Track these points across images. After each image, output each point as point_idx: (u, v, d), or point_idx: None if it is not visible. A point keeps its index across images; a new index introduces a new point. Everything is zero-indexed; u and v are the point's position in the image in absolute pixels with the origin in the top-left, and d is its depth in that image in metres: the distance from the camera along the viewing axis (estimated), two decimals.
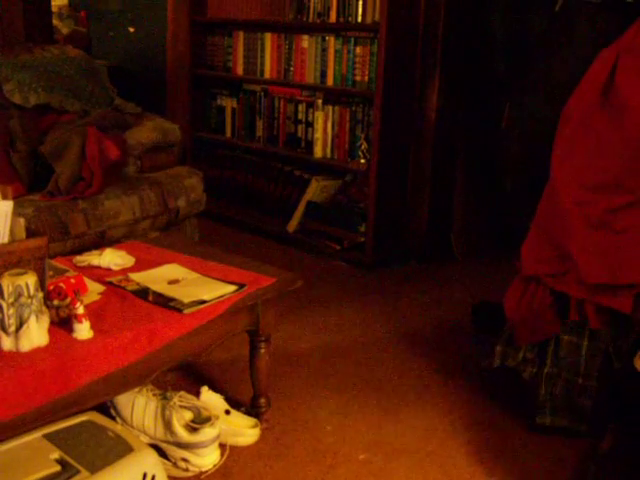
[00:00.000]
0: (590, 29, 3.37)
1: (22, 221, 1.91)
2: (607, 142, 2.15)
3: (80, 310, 1.76)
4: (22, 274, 1.71)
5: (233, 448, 2.18)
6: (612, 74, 2.17)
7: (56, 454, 1.61)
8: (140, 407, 2.10)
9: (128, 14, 5.30)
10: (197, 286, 2.12)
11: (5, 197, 1.92)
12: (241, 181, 4.49)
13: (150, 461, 1.68)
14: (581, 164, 2.19)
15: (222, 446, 2.12)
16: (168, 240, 2.68)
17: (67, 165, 2.94)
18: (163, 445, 2.07)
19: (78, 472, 1.56)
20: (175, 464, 2.06)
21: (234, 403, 2.34)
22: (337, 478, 2.10)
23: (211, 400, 2.24)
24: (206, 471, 2.06)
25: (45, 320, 1.74)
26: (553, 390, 2.32)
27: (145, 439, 2.06)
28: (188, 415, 2.08)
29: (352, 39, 3.79)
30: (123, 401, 2.12)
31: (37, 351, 1.70)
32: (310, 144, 4.11)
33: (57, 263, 2.22)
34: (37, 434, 1.67)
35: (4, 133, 3.07)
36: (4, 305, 1.68)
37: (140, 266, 2.29)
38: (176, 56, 4.75)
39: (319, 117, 4.04)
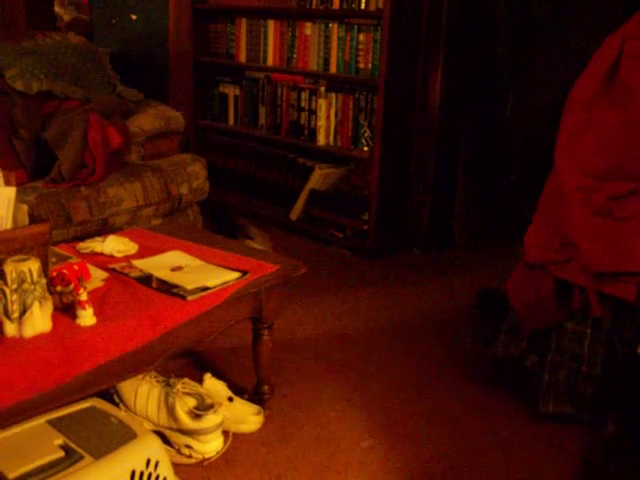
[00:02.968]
0: (595, 15, 3.35)
1: (25, 207, 1.91)
2: (611, 129, 2.14)
3: (83, 296, 1.76)
4: (25, 260, 1.70)
5: (236, 435, 2.18)
6: (617, 60, 2.15)
7: (60, 440, 1.61)
8: (143, 394, 2.11)
9: (130, 1, 5.26)
10: (200, 273, 2.12)
11: (8, 183, 1.91)
12: (244, 169, 4.48)
13: (154, 447, 1.67)
14: (585, 151, 2.18)
15: (225, 433, 2.13)
16: (171, 227, 2.68)
17: (70, 152, 2.94)
18: (166, 432, 2.07)
19: (82, 458, 1.56)
20: (178, 451, 2.06)
21: (237, 390, 2.34)
22: (340, 465, 2.10)
23: (214, 387, 2.24)
24: (209, 458, 2.07)
25: (48, 306, 1.73)
26: (556, 378, 2.32)
27: (148, 426, 2.07)
28: (191, 402, 2.08)
29: (355, 26, 3.78)
30: (126, 388, 2.12)
31: (40, 337, 1.70)
32: (313, 132, 4.10)
33: (60, 250, 2.22)
34: (41, 420, 1.67)
35: (6, 120, 3.06)
36: (7, 291, 1.68)
37: (143, 253, 2.28)
38: (178, 43, 4.73)
39: (322, 104, 4.02)
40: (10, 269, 1.67)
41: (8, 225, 1.84)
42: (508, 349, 2.45)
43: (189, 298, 1.96)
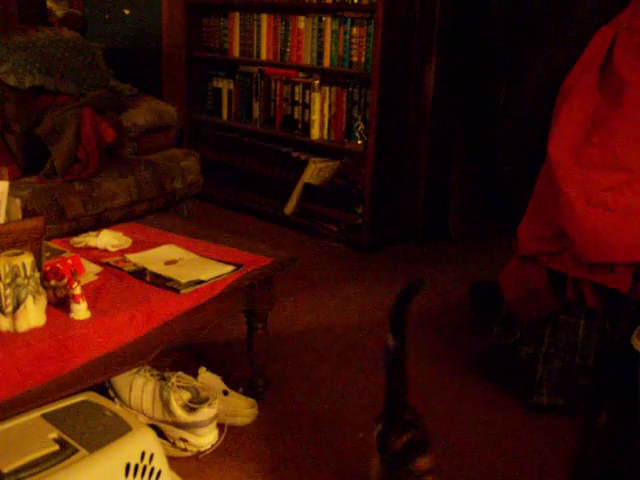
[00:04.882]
0: (589, 7, 3.35)
1: (18, 202, 1.90)
2: (604, 120, 2.15)
3: (77, 290, 1.76)
4: (18, 255, 1.70)
5: (231, 428, 2.18)
6: (610, 51, 2.16)
7: (54, 434, 1.61)
8: (138, 388, 2.10)
9: None
10: (194, 266, 2.12)
11: (0, 178, 1.90)
12: (238, 163, 4.48)
13: (148, 440, 1.67)
14: (578, 142, 2.18)
15: (220, 426, 2.13)
16: (165, 221, 2.67)
17: (63, 147, 2.93)
18: (161, 425, 2.07)
19: (76, 451, 1.56)
20: (173, 444, 2.06)
21: (232, 383, 2.34)
22: (336, 457, 2.10)
23: (209, 380, 2.24)
24: (204, 451, 2.07)
25: (42, 300, 1.73)
26: (550, 369, 2.33)
27: (143, 419, 2.07)
28: (186, 395, 2.08)
29: (349, 20, 3.77)
30: (121, 382, 2.12)
31: (34, 331, 1.70)
32: (307, 126, 4.10)
33: (54, 244, 2.21)
34: (35, 414, 1.67)
35: None
36: (1, 286, 1.68)
37: (137, 247, 2.28)
38: (172, 38, 4.72)
39: (316, 98, 4.02)
40: (3, 263, 1.67)
41: (1, 219, 1.83)
42: (502, 341, 2.46)
43: (183, 292, 1.96)
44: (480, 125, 4.01)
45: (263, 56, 4.27)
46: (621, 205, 2.14)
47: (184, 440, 2.05)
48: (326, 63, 3.93)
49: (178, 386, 2.08)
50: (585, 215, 2.16)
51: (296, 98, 4.15)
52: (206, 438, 2.06)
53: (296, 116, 4.17)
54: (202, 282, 2.01)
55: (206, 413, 2.03)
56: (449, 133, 3.89)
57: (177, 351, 2.58)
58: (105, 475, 1.57)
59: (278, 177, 4.25)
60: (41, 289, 1.75)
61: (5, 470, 1.48)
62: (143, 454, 1.65)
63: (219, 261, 2.16)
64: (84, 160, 2.95)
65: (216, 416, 2.07)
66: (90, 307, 1.79)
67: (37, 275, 1.73)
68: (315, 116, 4.03)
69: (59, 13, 5.42)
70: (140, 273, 2.06)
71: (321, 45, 3.93)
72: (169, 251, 2.25)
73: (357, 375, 2.57)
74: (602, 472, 2.06)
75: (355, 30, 3.75)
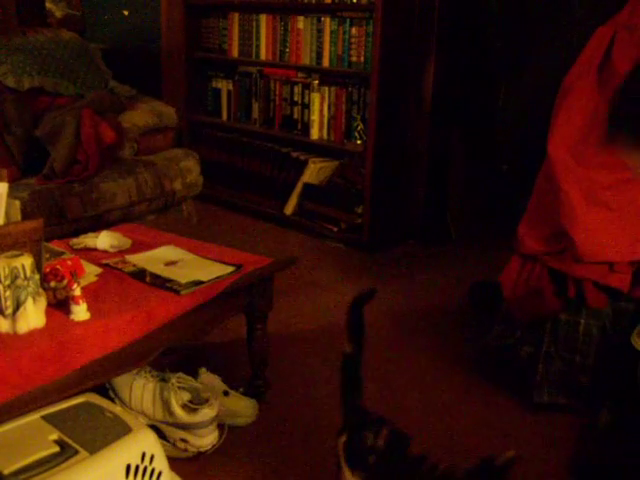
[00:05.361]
0: (587, 5, 3.35)
1: (17, 203, 1.90)
2: (604, 119, 2.15)
3: (77, 292, 1.76)
4: (18, 256, 1.70)
5: (232, 428, 2.18)
6: (608, 51, 2.16)
7: (55, 435, 1.61)
8: (138, 389, 2.10)
9: None
10: (194, 267, 2.12)
11: (0, 179, 1.91)
12: (237, 163, 4.48)
13: (149, 441, 1.67)
14: (578, 141, 2.19)
15: (221, 427, 2.13)
16: (165, 222, 2.67)
17: (62, 148, 2.93)
18: (162, 426, 2.07)
19: (77, 452, 1.56)
20: (174, 445, 2.06)
21: (232, 384, 2.34)
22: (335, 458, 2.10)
23: (209, 381, 2.24)
24: (205, 451, 2.07)
25: (42, 302, 1.73)
26: (551, 368, 2.33)
27: (144, 420, 2.06)
28: (186, 396, 2.08)
29: (348, 20, 3.77)
30: (121, 383, 2.12)
31: (34, 333, 1.70)
32: (306, 126, 4.10)
33: (53, 246, 2.21)
34: (35, 415, 1.67)
35: None
36: (0, 287, 1.68)
37: (137, 248, 2.28)
38: (171, 39, 4.72)
39: (315, 98, 4.02)
40: (3, 265, 1.67)
41: (0, 221, 1.84)
42: (502, 340, 2.46)
43: (183, 292, 1.95)
44: (479, 124, 4.01)
45: (262, 56, 4.27)
46: (621, 203, 2.14)
47: (184, 441, 2.05)
48: (325, 63, 3.93)
49: (178, 387, 2.08)
50: (585, 214, 2.16)
51: (295, 98, 4.15)
52: (206, 439, 2.06)
53: (295, 116, 4.17)
54: (202, 283, 2.01)
55: (206, 414, 2.03)
56: (448, 133, 3.88)
57: (177, 352, 2.59)
58: (105, 476, 1.57)
59: (278, 177, 4.25)
60: (41, 290, 1.75)
61: (6, 472, 1.48)
62: (143, 455, 1.64)
63: (219, 262, 2.17)
64: (84, 161, 2.95)
65: (216, 417, 2.07)
66: (90, 308, 1.79)
67: (37, 277, 1.73)
68: (314, 116, 4.03)
69: (58, 14, 5.41)
70: (140, 274, 2.06)
71: (320, 45, 3.93)
72: (169, 252, 2.25)
73: None
74: (603, 471, 2.06)
75: (354, 30, 3.75)
